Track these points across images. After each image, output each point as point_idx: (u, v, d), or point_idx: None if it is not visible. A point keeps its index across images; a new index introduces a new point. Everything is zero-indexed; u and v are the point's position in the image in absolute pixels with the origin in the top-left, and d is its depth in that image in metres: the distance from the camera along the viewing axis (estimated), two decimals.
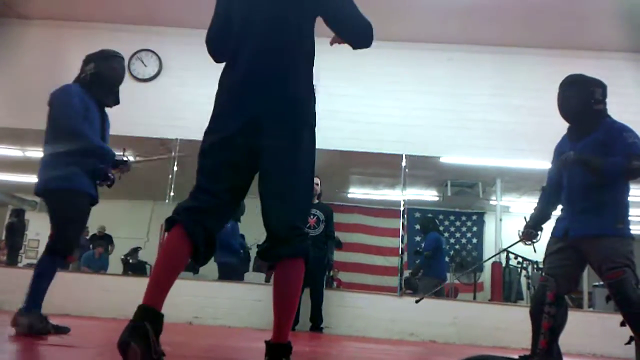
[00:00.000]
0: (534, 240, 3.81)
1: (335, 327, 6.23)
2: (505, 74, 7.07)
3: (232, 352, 3.66)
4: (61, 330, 3.32)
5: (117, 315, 6.31)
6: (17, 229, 8.40)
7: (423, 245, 7.94)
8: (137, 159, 5.33)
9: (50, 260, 3.36)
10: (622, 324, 3.31)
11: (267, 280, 8.01)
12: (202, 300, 6.39)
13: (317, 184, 6.27)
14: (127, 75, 7.08)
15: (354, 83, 7.03)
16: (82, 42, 7.35)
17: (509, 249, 4.86)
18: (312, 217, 6.15)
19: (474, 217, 9.44)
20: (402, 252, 6.83)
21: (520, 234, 3.89)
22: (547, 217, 3.81)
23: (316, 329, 5.98)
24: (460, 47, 7.10)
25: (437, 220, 8.36)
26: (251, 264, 7.67)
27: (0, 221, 8.82)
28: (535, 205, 3.82)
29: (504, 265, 7.45)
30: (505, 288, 7.39)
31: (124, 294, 6.46)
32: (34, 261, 8.41)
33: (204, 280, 7.58)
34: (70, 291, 6.45)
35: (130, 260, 7.59)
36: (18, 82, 7.15)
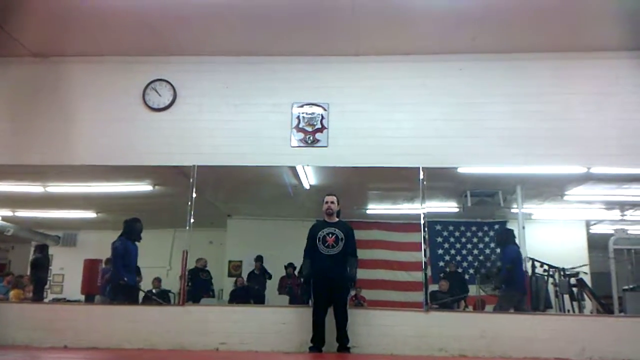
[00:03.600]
0: None
1: (363, 346, 6.15)
2: (517, 80, 7.02)
3: None
4: None
5: (144, 345, 6.32)
6: (41, 265, 8.45)
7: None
8: None
9: None
10: None
11: (291, 302, 7.98)
12: (228, 326, 6.36)
13: (334, 202, 6.26)
14: (142, 105, 7.23)
15: (366, 99, 7.01)
16: (97, 76, 7.50)
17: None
18: (331, 235, 6.14)
19: (496, 227, 9.33)
20: (425, 266, 6.75)
21: None
22: None
23: (344, 349, 5.87)
24: (470, 57, 7.09)
25: (513, 233, 8.18)
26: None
27: (25, 257, 8.90)
28: None
29: (530, 274, 7.34)
30: (533, 297, 7.26)
31: (149, 324, 6.50)
32: (60, 296, 8.53)
33: (229, 306, 7.57)
34: (96, 324, 6.48)
35: (154, 290, 7.61)
36: (36, 121, 7.28)
